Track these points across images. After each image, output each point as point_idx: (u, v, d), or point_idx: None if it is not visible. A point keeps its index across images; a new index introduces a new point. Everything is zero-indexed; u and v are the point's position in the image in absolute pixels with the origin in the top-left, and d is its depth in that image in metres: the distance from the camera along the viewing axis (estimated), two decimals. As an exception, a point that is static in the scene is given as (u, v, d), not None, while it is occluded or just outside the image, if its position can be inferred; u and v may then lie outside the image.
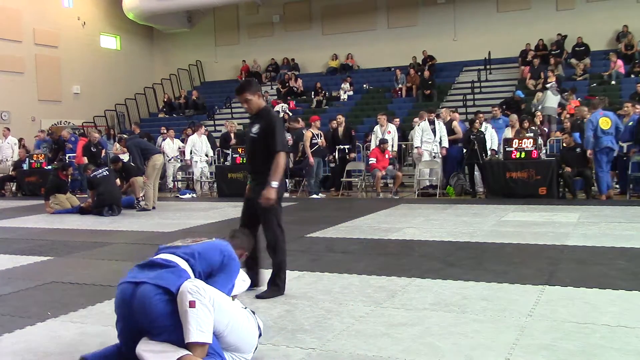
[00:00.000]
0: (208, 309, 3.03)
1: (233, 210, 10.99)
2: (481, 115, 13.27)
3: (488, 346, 3.59)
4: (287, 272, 5.21)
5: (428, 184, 13.10)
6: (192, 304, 3.00)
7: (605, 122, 10.77)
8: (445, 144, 12.90)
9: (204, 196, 14.64)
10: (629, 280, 4.99)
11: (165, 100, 24.16)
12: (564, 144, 11.73)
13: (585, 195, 11.01)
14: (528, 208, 9.76)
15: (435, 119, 12.98)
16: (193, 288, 3.04)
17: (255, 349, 3.44)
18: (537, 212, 9.34)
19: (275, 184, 4.79)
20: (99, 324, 4.25)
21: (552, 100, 15.53)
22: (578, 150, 11.16)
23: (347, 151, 13.62)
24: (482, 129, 12.50)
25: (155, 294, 3.09)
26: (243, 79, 24.48)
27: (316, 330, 4.01)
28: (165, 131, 16.68)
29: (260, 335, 3.50)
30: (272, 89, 23.07)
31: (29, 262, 6.59)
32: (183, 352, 3.00)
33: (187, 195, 14.32)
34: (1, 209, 12.65)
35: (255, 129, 4.84)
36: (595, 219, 8.46)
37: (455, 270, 5.61)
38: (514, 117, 13.05)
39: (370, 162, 12.79)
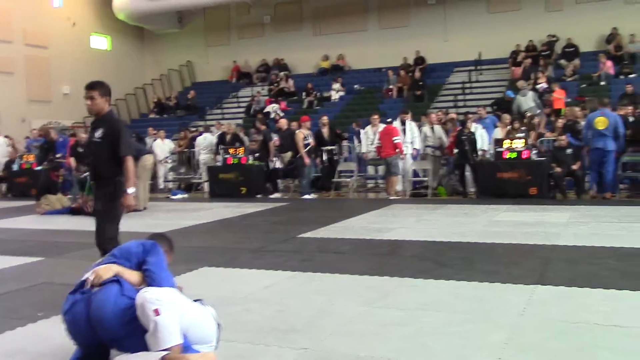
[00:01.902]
0: (172, 313, 3.07)
1: (224, 210, 10.98)
2: (470, 115, 13.31)
3: (480, 346, 3.60)
4: (280, 272, 5.22)
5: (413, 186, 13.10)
6: (156, 312, 3.02)
7: (601, 122, 10.79)
8: (417, 145, 12.91)
9: (195, 197, 14.60)
10: (620, 280, 5.02)
11: (156, 100, 24.08)
12: (555, 144, 11.78)
13: (576, 196, 11.06)
14: (519, 208, 9.80)
15: (407, 120, 12.98)
16: (151, 297, 3.06)
17: (218, 338, 3.43)
18: (528, 212, 9.37)
19: (131, 190, 4.72)
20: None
21: (524, 102, 15.59)
22: (569, 150, 11.21)
23: (334, 152, 13.61)
24: (472, 129, 12.53)
25: (117, 293, 3.16)
26: (234, 79, 24.49)
27: (308, 330, 4.01)
28: (155, 132, 16.62)
29: (219, 325, 3.47)
30: (263, 89, 23.04)
31: (19, 263, 6.55)
32: (162, 353, 3.01)
33: (179, 196, 14.27)
34: (-9, 210, 12.57)
35: (98, 133, 4.71)
36: (586, 218, 8.50)
37: (447, 270, 5.62)
38: (506, 116, 13.10)
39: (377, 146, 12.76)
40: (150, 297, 3.06)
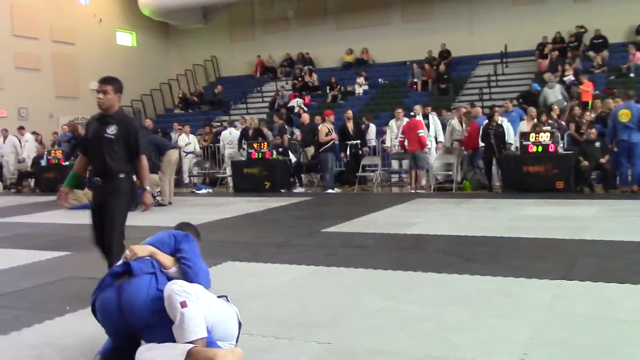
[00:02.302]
0: (198, 306, 3.10)
1: (248, 205, 11.03)
2: (497, 109, 13.18)
3: (505, 341, 3.57)
4: (303, 266, 5.23)
5: (440, 179, 13.02)
6: (183, 304, 3.05)
7: (624, 114, 10.68)
8: (441, 138, 12.79)
9: (219, 191, 14.69)
10: (648, 275, 4.93)
11: (181, 96, 24.25)
12: (584, 137, 11.59)
13: (603, 190, 10.89)
14: (545, 202, 9.68)
15: (429, 114, 12.85)
16: (179, 289, 3.09)
17: (238, 337, 3.46)
18: (554, 206, 9.26)
19: (149, 188, 4.84)
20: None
21: (551, 94, 15.38)
22: (597, 144, 11.03)
23: (359, 146, 13.56)
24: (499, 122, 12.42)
25: (148, 283, 3.21)
26: (258, 74, 24.55)
27: (332, 324, 4.01)
28: (180, 127, 16.75)
29: (240, 323, 3.50)
30: (287, 83, 23.07)
31: (47, 258, 6.66)
32: (188, 345, 3.03)
33: (203, 191, 14.37)
34: (20, 205, 12.80)
35: (111, 130, 4.69)
36: (614, 213, 8.37)
37: (472, 265, 5.58)
38: (532, 109, 12.94)
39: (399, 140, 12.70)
40: (178, 289, 3.09)
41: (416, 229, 7.75)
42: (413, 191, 12.32)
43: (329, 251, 6.52)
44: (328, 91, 21.53)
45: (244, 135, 15.04)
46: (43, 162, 16.36)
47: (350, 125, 13.74)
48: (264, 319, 4.18)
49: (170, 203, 11.60)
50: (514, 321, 3.93)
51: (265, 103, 22.58)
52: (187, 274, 3.39)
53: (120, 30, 24.89)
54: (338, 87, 21.43)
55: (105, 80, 4.67)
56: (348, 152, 13.54)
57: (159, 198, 11.70)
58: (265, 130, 15.39)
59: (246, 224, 9.05)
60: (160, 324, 3.12)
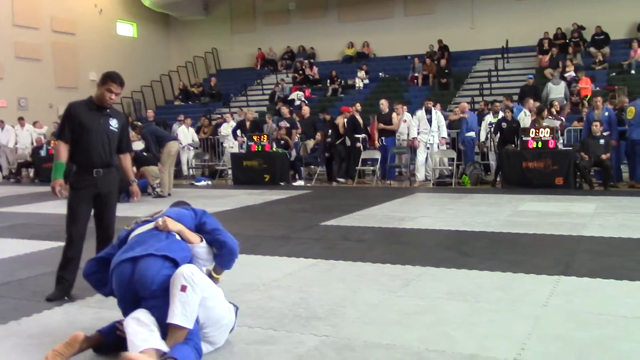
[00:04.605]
0: (196, 297, 3.16)
1: (248, 197, 11.03)
2: (497, 104, 13.18)
3: (503, 336, 3.58)
4: (302, 259, 5.36)
5: (446, 172, 13.03)
6: (183, 288, 3.14)
7: (630, 111, 11.01)
8: (444, 134, 12.76)
9: (218, 184, 14.68)
10: (646, 272, 4.94)
11: (181, 87, 24.21)
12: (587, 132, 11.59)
13: (603, 187, 10.89)
14: (544, 198, 9.69)
15: (433, 108, 12.81)
16: (188, 274, 3.18)
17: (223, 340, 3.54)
18: (554, 202, 9.26)
19: (134, 181, 5.17)
20: (115, 309, 4.24)
21: (555, 90, 15.38)
22: (602, 141, 11.00)
23: (360, 140, 13.52)
24: (499, 118, 12.43)
25: (162, 265, 3.32)
26: (259, 66, 24.50)
27: (330, 317, 4.02)
28: (182, 118, 16.74)
29: (233, 328, 3.59)
30: (287, 76, 23.03)
31: (46, 248, 6.67)
32: (160, 344, 3.11)
33: (203, 183, 14.36)
34: (19, 195, 12.80)
35: (114, 123, 4.80)
36: (613, 209, 8.38)
37: (470, 259, 5.59)
38: (530, 100, 12.97)
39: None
40: (186, 273, 3.17)
41: (415, 223, 7.75)
42: (414, 184, 12.34)
43: (328, 244, 6.53)
44: (328, 84, 21.50)
45: (239, 126, 15.06)
46: (42, 153, 16.35)
47: (359, 118, 13.67)
48: (262, 311, 4.19)
49: (169, 194, 11.60)
50: (512, 316, 3.94)
51: (266, 96, 22.56)
52: (219, 244, 3.62)
53: (121, 21, 24.81)
54: (338, 80, 21.40)
55: (122, 83, 4.68)
56: (358, 145, 13.39)
57: (158, 189, 11.70)
58: (270, 122, 15.42)
59: (245, 216, 9.05)
60: (161, 298, 3.23)
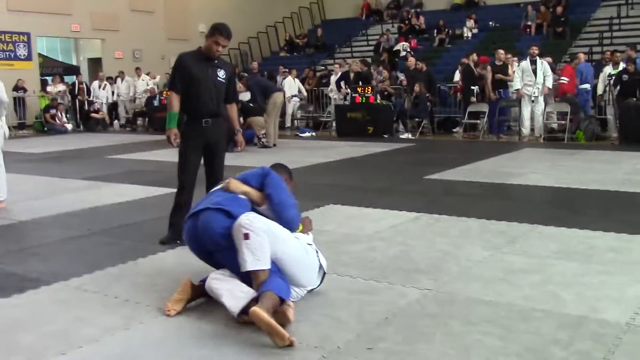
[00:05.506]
0: (262, 238, 3.19)
1: (351, 149, 11.06)
2: (618, 54, 12.32)
3: (615, 299, 3.41)
4: (405, 212, 5.39)
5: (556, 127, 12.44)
6: (246, 236, 3.19)
7: None
8: (549, 83, 12.05)
9: (322, 135, 14.78)
10: None
11: (287, 38, 24.33)
12: None
13: None
14: (667, 156, 9.05)
15: (538, 58, 12.09)
16: (246, 222, 3.22)
17: (319, 286, 3.55)
18: (677, 160, 8.64)
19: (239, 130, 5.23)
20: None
21: None
22: None
23: (475, 92, 13.09)
24: (619, 70, 11.63)
25: (217, 217, 3.38)
26: (364, 17, 24.15)
27: (432, 271, 3.99)
28: (285, 70, 16.87)
29: (324, 274, 3.58)
30: (393, 27, 22.55)
31: (159, 193, 7.01)
32: (249, 291, 3.18)
33: (307, 134, 14.51)
34: (134, 143, 13.49)
35: (222, 74, 4.85)
36: None
37: (582, 218, 5.34)
38: None
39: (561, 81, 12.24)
40: (244, 222, 3.22)
41: (523, 179, 7.48)
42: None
43: (431, 198, 6.45)
44: (435, 35, 20.88)
45: (343, 78, 15.00)
46: (155, 103, 17.06)
47: (475, 70, 13.22)
48: (364, 262, 4.22)
49: (274, 145, 11.82)
50: (626, 279, 3.74)
51: (370, 47, 22.24)
52: (272, 208, 3.51)
53: (230, -28, 25.07)
54: (446, 30, 20.72)
55: (229, 36, 4.75)
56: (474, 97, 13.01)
57: (264, 140, 11.94)
58: (375, 73, 15.24)
59: (348, 168, 9.08)
60: (227, 249, 3.32)
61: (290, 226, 3.49)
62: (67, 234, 5.32)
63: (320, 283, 3.58)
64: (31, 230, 5.59)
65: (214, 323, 3.20)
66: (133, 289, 3.80)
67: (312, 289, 3.54)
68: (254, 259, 3.17)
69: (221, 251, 3.40)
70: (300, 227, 3.67)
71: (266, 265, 3.20)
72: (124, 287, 3.84)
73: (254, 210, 3.48)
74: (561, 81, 12.43)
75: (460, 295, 3.55)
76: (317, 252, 3.59)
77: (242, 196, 3.55)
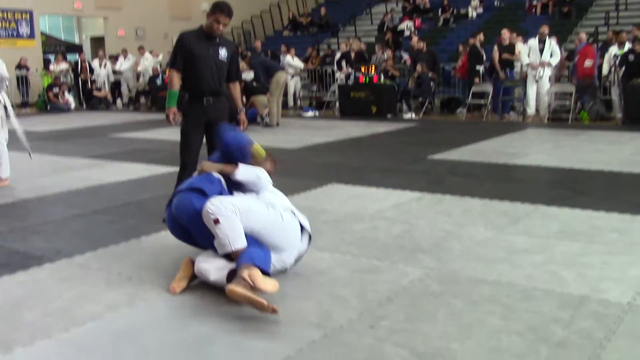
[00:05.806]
0: (231, 219, 3.26)
1: (354, 129, 11.02)
2: (624, 35, 12.20)
3: (617, 279, 3.42)
4: (408, 192, 5.35)
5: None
6: (216, 222, 3.26)
7: None
8: (554, 62, 11.94)
9: (325, 114, 14.74)
10: None
11: (290, 17, 24.16)
12: None
13: None
14: (671, 137, 9.01)
15: (548, 37, 11.97)
16: (212, 208, 3.28)
17: (307, 250, 3.62)
18: (682, 141, 8.60)
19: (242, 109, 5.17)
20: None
21: None
22: None
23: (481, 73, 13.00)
24: (625, 50, 11.53)
25: (188, 196, 3.48)
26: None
27: (435, 250, 4.00)
28: (286, 49, 16.78)
29: (310, 237, 3.62)
30: (397, 6, 22.37)
31: (162, 172, 7.02)
32: (231, 265, 3.29)
33: (310, 113, 14.47)
34: (137, 122, 13.47)
35: (223, 52, 4.83)
36: None
37: (585, 199, 5.34)
38: None
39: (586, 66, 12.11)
40: (211, 208, 3.28)
41: (527, 159, 7.47)
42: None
43: (434, 178, 6.44)
44: (440, 14, 20.71)
45: (344, 57, 14.93)
46: (158, 82, 17.00)
47: (480, 50, 13.12)
48: (367, 241, 4.23)
49: (277, 124, 11.80)
50: (629, 259, 3.75)
51: (374, 26, 22.07)
52: (220, 145, 3.81)
53: (232, -50, 24.83)
54: (450, 9, 20.55)
55: (230, 14, 4.71)
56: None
57: (267, 119, 11.91)
58: (379, 53, 15.16)
59: (351, 147, 9.06)
60: (199, 224, 3.39)
61: (240, 143, 3.70)
62: (71, 212, 5.34)
63: (308, 246, 3.64)
64: (35, 208, 5.60)
65: (217, 300, 3.22)
66: (136, 266, 3.82)
67: (301, 255, 3.58)
68: (229, 241, 3.26)
69: (194, 228, 3.46)
70: (263, 154, 3.74)
71: (242, 243, 3.28)
72: (128, 264, 3.86)
73: (228, 183, 3.59)
74: (586, 65, 12.16)
75: (462, 274, 3.56)
76: (293, 213, 3.59)
77: (216, 174, 3.62)
